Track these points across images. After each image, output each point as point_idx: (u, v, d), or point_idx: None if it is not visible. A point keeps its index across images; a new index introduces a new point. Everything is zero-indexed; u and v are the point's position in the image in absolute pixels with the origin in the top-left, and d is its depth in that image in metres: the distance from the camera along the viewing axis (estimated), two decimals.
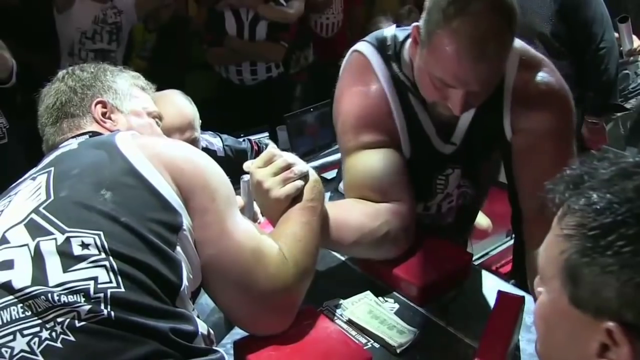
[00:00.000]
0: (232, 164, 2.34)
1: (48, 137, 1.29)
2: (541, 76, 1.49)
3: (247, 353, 1.18)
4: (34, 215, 1.01)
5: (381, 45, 1.55)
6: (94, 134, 1.24)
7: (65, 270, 0.95)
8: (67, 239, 0.97)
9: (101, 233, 0.98)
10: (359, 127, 1.52)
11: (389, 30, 1.58)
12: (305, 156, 2.75)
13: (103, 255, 0.96)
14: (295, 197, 1.28)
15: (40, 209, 1.02)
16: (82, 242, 0.97)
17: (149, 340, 0.94)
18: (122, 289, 0.95)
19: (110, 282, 0.95)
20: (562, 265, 0.74)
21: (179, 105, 2.00)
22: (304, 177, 1.30)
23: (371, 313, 1.36)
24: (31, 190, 1.07)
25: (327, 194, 1.59)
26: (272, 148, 1.33)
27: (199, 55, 3.89)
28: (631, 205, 0.70)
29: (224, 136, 2.49)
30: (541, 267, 0.81)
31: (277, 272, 1.15)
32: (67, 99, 1.29)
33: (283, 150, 2.67)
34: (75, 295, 0.93)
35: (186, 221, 1.07)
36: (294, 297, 1.21)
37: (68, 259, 0.96)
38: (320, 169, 2.31)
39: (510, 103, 1.50)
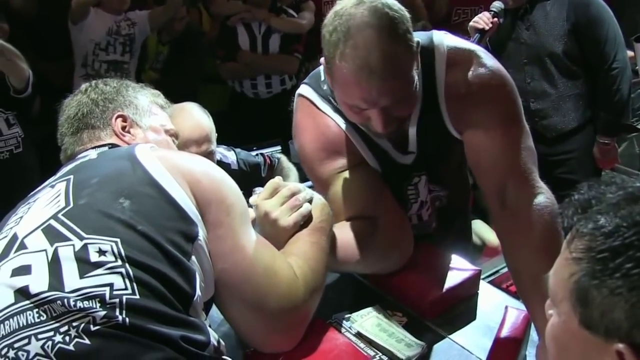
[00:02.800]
0: (246, 177, 2.39)
1: (67, 147, 1.33)
2: (471, 70, 1.48)
3: None
4: (52, 222, 1.05)
5: (317, 83, 1.59)
6: (113, 145, 1.29)
7: (82, 276, 0.98)
8: (85, 246, 1.00)
9: (118, 240, 1.01)
10: (325, 157, 1.55)
11: (322, 66, 1.61)
12: None
13: (119, 262, 0.99)
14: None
15: (59, 215, 1.05)
16: (100, 248, 1.00)
17: (162, 347, 0.97)
18: (137, 296, 0.98)
19: (126, 288, 0.98)
20: (572, 287, 0.76)
21: (197, 118, 2.05)
22: (310, 202, 1.34)
23: (380, 326, 1.38)
24: (50, 197, 1.10)
25: None
26: (276, 179, 1.37)
27: (212, 68, 3.94)
28: (639, 229, 0.72)
29: (238, 150, 2.53)
30: (551, 289, 0.83)
31: (288, 291, 1.18)
32: (89, 111, 1.34)
33: (294, 164, 2.72)
34: (91, 301, 0.95)
35: (202, 232, 1.10)
36: (302, 315, 1.23)
37: (85, 265, 0.99)
38: None
39: (445, 104, 1.50)
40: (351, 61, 1.29)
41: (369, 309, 1.44)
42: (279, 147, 3.14)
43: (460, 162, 1.67)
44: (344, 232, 1.46)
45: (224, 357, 1.10)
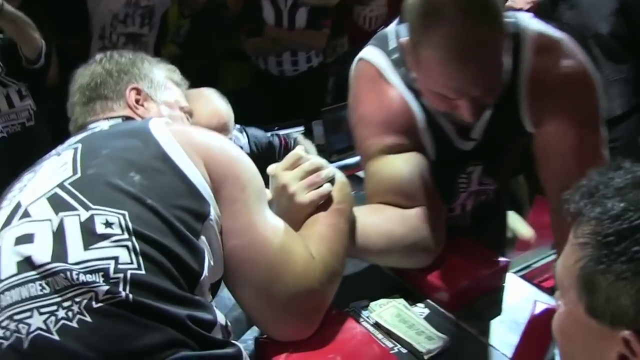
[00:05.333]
0: (259, 160, 2.37)
1: (77, 117, 1.35)
2: (559, 60, 1.45)
3: (269, 351, 1.22)
4: (58, 190, 1.06)
5: (385, 49, 1.55)
6: (126, 118, 1.30)
7: (86, 248, 0.99)
8: (91, 217, 1.02)
9: (126, 213, 1.03)
10: (381, 132, 1.53)
11: (390, 27, 1.57)
12: (341, 153, 2.78)
13: (126, 236, 1.01)
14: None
15: (66, 184, 1.07)
16: (106, 220, 1.01)
17: (165, 327, 0.98)
18: (143, 271, 0.99)
19: (131, 263, 0.99)
20: (578, 274, 0.78)
21: (216, 104, 2.05)
22: (331, 181, 1.33)
23: (399, 317, 1.38)
24: (56, 166, 1.12)
25: (361, 192, 1.62)
26: (299, 150, 1.35)
27: (236, 44, 3.94)
28: None
29: (251, 130, 2.52)
30: (559, 278, 0.85)
31: (304, 273, 1.18)
32: (103, 81, 1.35)
33: (318, 146, 2.71)
34: (94, 275, 0.97)
35: (214, 211, 1.11)
36: (319, 300, 1.23)
37: (90, 236, 1.00)
38: (355, 168, 2.34)
39: (527, 93, 1.48)
40: (444, 50, 1.27)
41: (389, 299, 1.44)
42: (302, 128, 3.14)
43: (517, 158, 1.66)
44: (371, 219, 1.45)
45: (231, 340, 1.10)
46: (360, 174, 2.38)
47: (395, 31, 1.55)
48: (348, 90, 1.64)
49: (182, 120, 1.42)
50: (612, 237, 0.75)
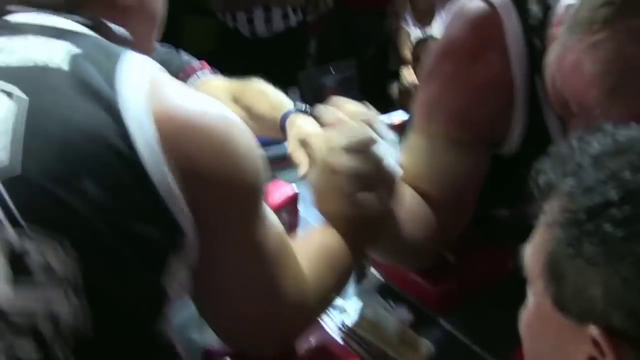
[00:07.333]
0: None
1: None
2: None
3: None
4: None
5: (522, 1, 1.36)
6: (93, 23, 1.02)
7: (15, 286, 0.86)
8: (20, 239, 0.86)
9: (66, 241, 0.87)
10: (455, 118, 1.41)
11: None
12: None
13: (63, 273, 0.87)
14: None
15: None
16: (39, 247, 0.86)
17: None
18: (84, 321, 0.87)
19: (70, 311, 0.87)
20: (545, 260, 0.77)
21: None
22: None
23: (376, 322, 1.37)
24: None
25: None
26: (372, 132, 1.21)
27: None
28: (622, 183, 0.72)
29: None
30: (527, 266, 0.83)
31: (291, 304, 1.11)
32: None
33: None
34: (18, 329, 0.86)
35: (187, 239, 0.96)
36: (303, 328, 1.20)
37: (17, 268, 0.86)
38: None
39: None
40: (602, 62, 1.11)
41: (364, 298, 1.45)
42: None
43: None
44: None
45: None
46: None
47: None
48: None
49: None
50: (582, 215, 0.72)
